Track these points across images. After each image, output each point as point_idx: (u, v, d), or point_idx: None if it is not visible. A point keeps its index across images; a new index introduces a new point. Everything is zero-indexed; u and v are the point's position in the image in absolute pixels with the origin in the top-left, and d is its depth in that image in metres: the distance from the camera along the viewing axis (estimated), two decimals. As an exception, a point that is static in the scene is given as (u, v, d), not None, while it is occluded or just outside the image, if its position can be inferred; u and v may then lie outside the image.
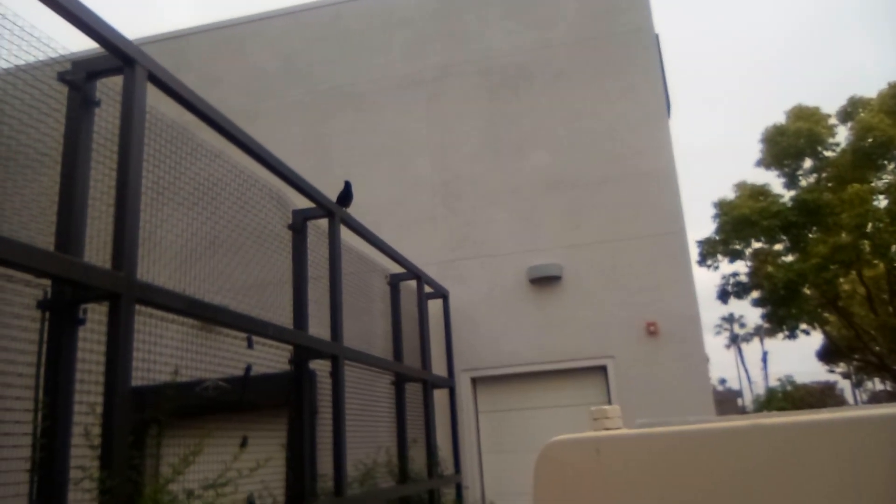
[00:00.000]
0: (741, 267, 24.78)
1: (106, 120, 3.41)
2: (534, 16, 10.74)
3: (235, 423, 4.07)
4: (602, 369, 9.16)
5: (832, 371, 38.40)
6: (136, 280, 3.20)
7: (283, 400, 4.86)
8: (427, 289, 8.68)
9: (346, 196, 6.28)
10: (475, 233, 10.06)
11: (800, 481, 1.40)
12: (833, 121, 23.80)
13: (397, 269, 7.86)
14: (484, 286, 9.78)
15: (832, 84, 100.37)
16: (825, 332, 27.17)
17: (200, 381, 3.86)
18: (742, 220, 22.33)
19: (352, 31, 11.47)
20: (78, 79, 3.30)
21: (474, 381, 9.60)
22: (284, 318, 4.95)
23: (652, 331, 9.01)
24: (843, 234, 21.66)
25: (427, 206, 10.35)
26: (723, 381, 65.59)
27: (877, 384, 43.70)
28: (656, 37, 10.39)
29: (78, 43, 3.67)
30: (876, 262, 22.67)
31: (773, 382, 49.86)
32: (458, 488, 8.74)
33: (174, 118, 3.89)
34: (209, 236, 4.18)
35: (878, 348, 25.06)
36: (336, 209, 5.76)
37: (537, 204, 9.94)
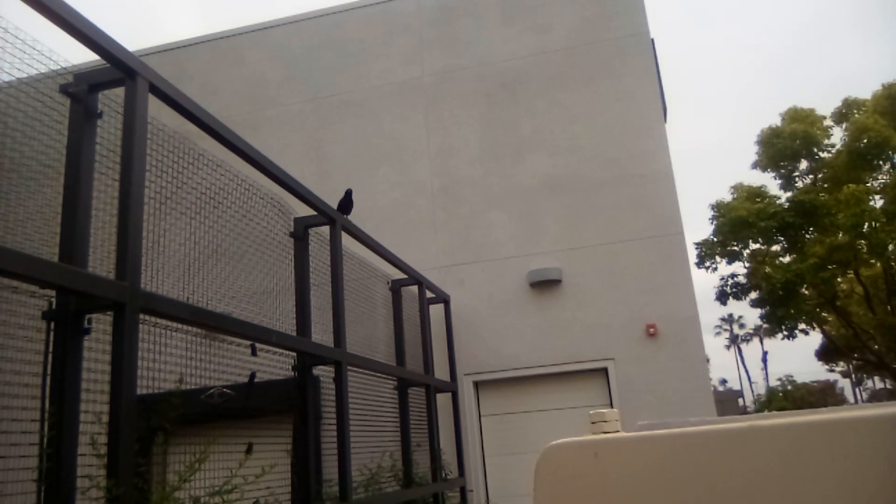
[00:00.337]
0: (739, 268, 24.82)
1: (108, 131, 3.43)
2: (530, 22, 10.79)
3: (240, 429, 4.08)
4: (603, 371, 9.18)
5: (832, 370, 38.44)
6: (140, 290, 3.22)
7: (287, 406, 4.88)
8: (428, 294, 8.70)
9: (346, 203, 6.30)
10: (475, 237, 10.09)
11: (799, 482, 1.40)
12: (828, 122, 23.88)
13: (399, 274, 7.88)
14: (484, 290, 9.80)
15: (827, 86, 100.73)
16: (824, 332, 27.17)
17: (205, 389, 3.87)
18: (739, 222, 22.37)
19: (351, 39, 11.51)
20: (80, 91, 3.32)
21: (477, 384, 9.62)
22: (287, 325, 4.98)
23: (652, 332, 9.04)
24: (840, 235, 21.71)
25: (427, 211, 10.38)
26: (723, 382, 65.59)
27: (876, 382, 43.72)
28: (652, 41, 10.44)
29: (80, 55, 3.70)
30: (873, 261, 22.71)
31: (774, 382, 49.91)
32: (463, 491, 8.75)
33: (176, 128, 3.91)
34: (212, 245, 4.20)
35: (876, 347, 25.07)
36: (337, 216, 5.78)
37: (536, 208, 9.98)
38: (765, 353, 58.67)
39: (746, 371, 70.69)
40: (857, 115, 22.86)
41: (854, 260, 21.93)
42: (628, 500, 1.57)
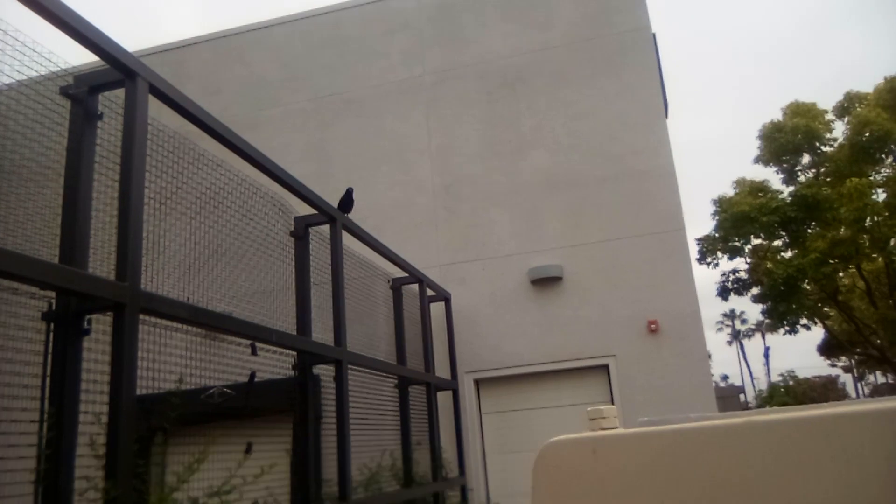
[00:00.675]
0: (741, 263, 24.82)
1: (108, 132, 3.44)
2: (530, 18, 10.77)
3: (240, 429, 4.09)
4: (604, 368, 9.18)
5: (834, 365, 38.43)
6: (140, 290, 3.22)
7: (287, 406, 4.89)
8: (429, 292, 8.71)
9: (347, 202, 6.31)
10: (476, 235, 10.09)
11: (799, 477, 1.40)
12: (830, 116, 23.85)
13: (399, 272, 7.89)
14: (486, 288, 9.81)
15: (828, 80, 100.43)
16: (826, 327, 27.18)
17: (205, 389, 3.88)
18: (741, 217, 22.36)
19: (351, 38, 11.51)
20: (80, 92, 3.33)
21: (477, 382, 9.63)
22: (288, 324, 4.98)
23: (653, 329, 9.03)
24: (842, 229, 21.70)
25: (428, 209, 10.38)
26: (725, 378, 65.62)
27: (878, 377, 43.68)
28: (653, 36, 10.42)
29: (79, 57, 3.70)
30: (875, 255, 22.70)
31: (776, 378, 49.90)
32: (463, 490, 8.76)
33: (176, 129, 3.92)
34: (212, 245, 4.21)
35: (878, 341, 25.07)
36: (338, 215, 5.79)
37: (537, 205, 9.97)
38: (766, 349, 58.69)
39: (748, 366, 70.67)
40: (859, 109, 22.82)
41: (856, 254, 21.90)
42: (627, 497, 1.58)
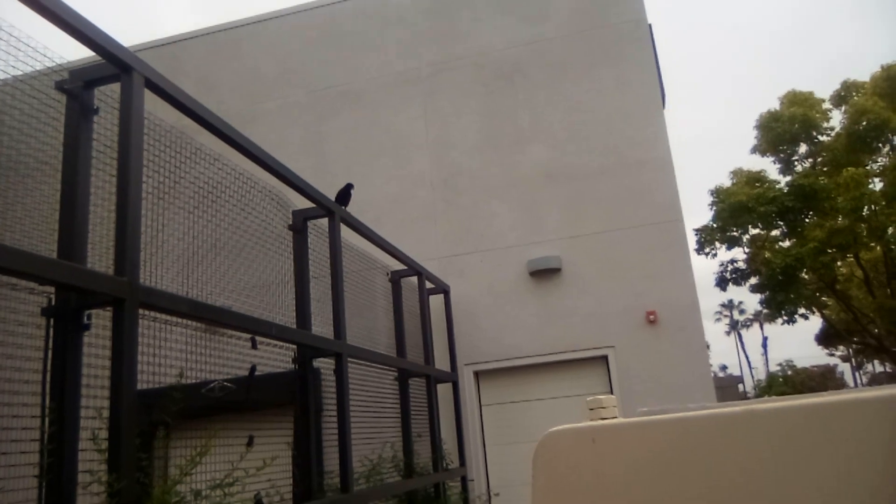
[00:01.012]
0: (739, 253, 24.86)
1: (105, 127, 3.43)
2: (527, 10, 10.74)
3: (241, 422, 4.10)
4: (603, 359, 9.20)
5: (832, 354, 38.52)
6: (139, 285, 3.22)
7: (288, 399, 4.90)
8: (428, 284, 8.71)
9: (345, 196, 6.31)
10: (474, 227, 10.09)
11: (798, 466, 1.40)
12: (827, 105, 23.84)
13: (398, 265, 7.89)
14: (485, 280, 9.82)
15: (825, 69, 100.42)
16: (824, 316, 27.25)
17: (206, 383, 3.89)
18: (739, 207, 22.37)
19: (347, 32, 11.47)
20: (75, 87, 3.32)
21: (477, 374, 9.65)
22: (287, 318, 4.99)
23: (652, 319, 9.05)
24: (840, 218, 21.73)
25: (426, 202, 10.37)
26: (724, 368, 65.76)
27: (876, 366, 43.82)
28: (649, 27, 10.40)
29: (75, 52, 3.69)
30: (873, 244, 22.74)
31: (774, 367, 50.01)
32: (464, 481, 8.79)
33: (173, 123, 3.91)
34: (210, 239, 4.21)
35: (876, 330, 25.12)
36: (336, 208, 5.78)
37: (536, 197, 9.97)
38: (765, 339, 58.81)
39: (746, 356, 70.82)
40: (856, 98, 22.83)
41: (854, 243, 21.93)
42: (626, 486, 1.58)
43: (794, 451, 1.42)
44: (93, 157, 3.35)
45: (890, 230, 21.58)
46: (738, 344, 63.59)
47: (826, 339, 31.16)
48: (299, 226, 5.39)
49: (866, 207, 21.23)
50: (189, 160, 4.06)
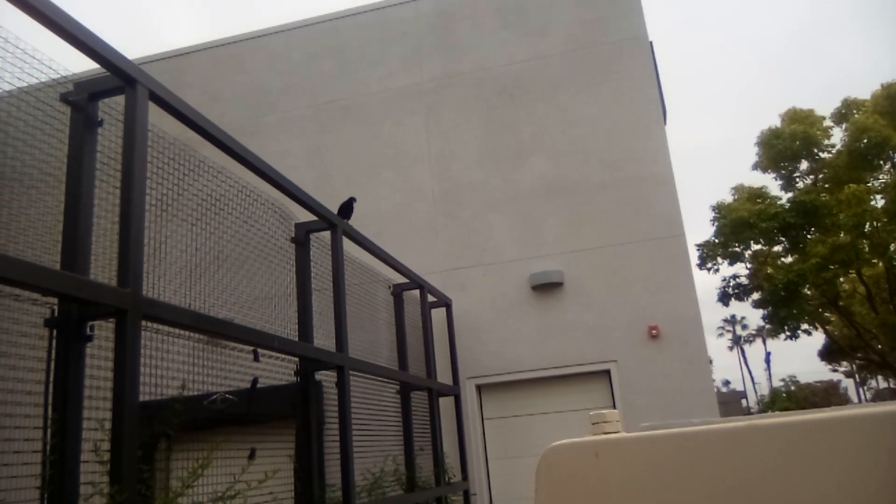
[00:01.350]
0: (741, 269, 24.84)
1: (109, 139, 3.45)
2: (529, 26, 10.81)
3: (243, 435, 4.09)
4: (606, 373, 9.17)
5: (835, 370, 38.36)
6: (142, 296, 3.22)
7: (290, 411, 4.88)
8: (430, 298, 8.70)
9: (347, 209, 6.32)
10: (476, 241, 10.10)
11: (800, 481, 1.40)
12: (828, 123, 23.93)
13: (400, 278, 7.89)
14: (486, 294, 9.81)
15: (826, 87, 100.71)
16: (826, 332, 27.16)
17: (208, 395, 3.88)
18: (740, 223, 22.38)
19: (350, 46, 11.55)
20: (80, 99, 3.34)
21: (479, 388, 9.62)
22: (289, 331, 4.98)
23: (654, 334, 9.03)
24: (842, 234, 21.71)
25: (428, 215, 10.39)
26: (727, 383, 65.56)
27: (880, 382, 43.62)
28: (650, 44, 10.46)
29: (80, 64, 3.71)
30: (875, 260, 22.72)
31: (777, 383, 49.82)
32: (466, 495, 8.74)
33: (176, 136, 3.93)
34: (213, 251, 4.21)
35: (879, 346, 25.05)
36: (338, 221, 5.79)
37: (537, 211, 9.99)
38: (768, 354, 58.55)
39: (749, 372, 70.60)
40: (856, 116, 22.89)
41: (856, 259, 21.92)
42: (629, 501, 1.58)
43: (797, 466, 1.42)
44: (97, 168, 3.36)
45: (892, 246, 21.58)
46: (741, 359, 63.39)
47: (829, 354, 31.05)
48: (302, 238, 5.40)
49: (868, 224, 21.23)
50: (192, 172, 4.07)
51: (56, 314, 3.04)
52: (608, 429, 1.78)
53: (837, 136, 23.69)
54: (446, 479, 7.96)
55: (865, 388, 47.10)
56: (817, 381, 46.10)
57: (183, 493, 3.28)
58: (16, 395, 2.87)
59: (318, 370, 5.15)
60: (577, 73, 10.39)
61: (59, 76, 3.23)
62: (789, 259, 23.56)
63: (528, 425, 9.29)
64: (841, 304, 24.44)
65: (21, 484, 2.73)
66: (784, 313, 22.54)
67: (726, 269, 24.42)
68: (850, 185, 21.21)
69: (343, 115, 11.20)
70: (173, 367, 3.58)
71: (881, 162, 22.78)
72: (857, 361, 32.42)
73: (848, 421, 1.44)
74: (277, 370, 4.69)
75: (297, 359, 4.91)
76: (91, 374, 3.07)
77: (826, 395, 43.34)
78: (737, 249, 23.82)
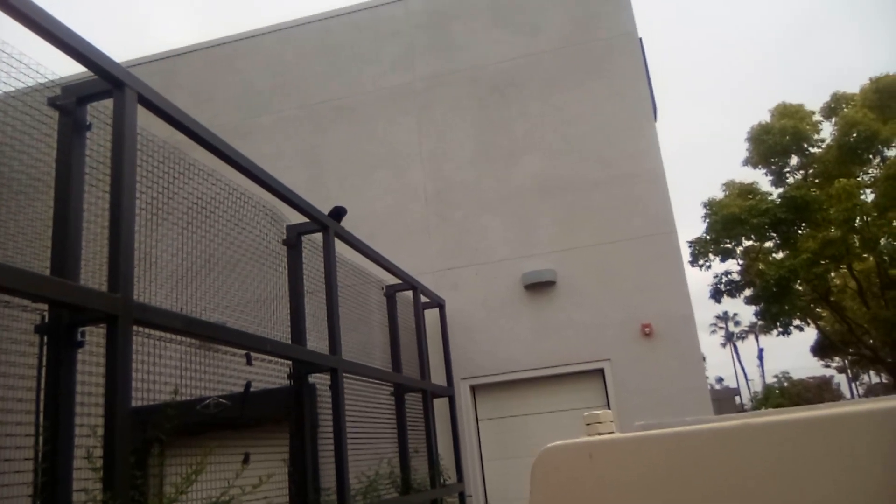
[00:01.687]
0: (733, 265, 24.93)
1: (98, 143, 3.42)
2: (519, 24, 10.82)
3: (237, 439, 4.07)
4: (599, 372, 9.18)
5: (827, 366, 38.55)
6: (133, 301, 3.20)
7: (283, 415, 4.87)
8: (423, 298, 8.70)
9: (338, 214, 6.31)
10: (469, 241, 10.10)
11: (796, 479, 1.39)
12: (817, 117, 24.04)
13: (393, 280, 7.88)
14: (479, 294, 9.81)
15: (815, 82, 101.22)
16: (818, 327, 27.30)
17: (201, 400, 3.86)
18: (732, 219, 22.47)
19: (342, 45, 11.52)
20: (68, 103, 3.31)
21: (473, 388, 9.61)
22: (282, 334, 4.96)
23: (647, 332, 9.05)
24: (832, 229, 21.83)
25: (421, 215, 10.38)
26: (720, 380, 65.78)
27: (872, 377, 43.88)
28: (640, 40, 10.48)
29: (67, 68, 3.69)
30: (866, 255, 22.84)
31: (770, 379, 50.04)
32: (462, 497, 8.73)
33: (166, 138, 3.90)
34: (204, 255, 4.19)
35: (871, 341, 25.19)
36: (330, 223, 5.78)
37: (529, 210, 9.99)
38: (760, 350, 58.80)
39: (742, 368, 70.70)
40: (845, 110, 23.02)
41: (847, 254, 22.04)
42: (624, 501, 1.57)
43: (791, 464, 1.41)
44: (86, 173, 3.33)
45: (882, 241, 21.69)
46: (734, 356, 63.60)
47: (821, 350, 31.20)
48: (293, 241, 5.38)
49: (858, 218, 21.35)
50: (182, 176, 4.05)
51: (46, 320, 3.02)
52: (602, 429, 1.78)
53: (827, 131, 23.84)
54: (441, 480, 7.95)
55: (858, 383, 47.37)
56: (810, 377, 46.32)
57: (177, 499, 3.26)
58: (7, 402, 2.84)
59: (312, 373, 5.14)
60: (568, 70, 10.40)
61: (46, 80, 3.21)
62: (780, 255, 23.67)
63: (523, 425, 9.29)
64: (832, 299, 24.56)
65: (13, 492, 2.71)
66: (776, 309, 22.64)
67: (718, 266, 24.57)
68: (840, 179, 21.33)
69: (336, 115, 11.17)
70: (165, 371, 3.56)
71: (871, 156, 22.90)
72: (850, 357, 32.61)
73: (843, 418, 1.44)
74: (271, 373, 4.68)
75: (290, 362, 4.90)
76: (82, 381, 3.05)
77: (819, 390, 43.54)
78: (728, 246, 23.91)
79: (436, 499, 7.64)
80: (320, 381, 5.35)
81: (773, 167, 24.45)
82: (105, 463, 2.91)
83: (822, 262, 22.02)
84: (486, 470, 9.35)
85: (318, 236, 5.72)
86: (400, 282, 7.98)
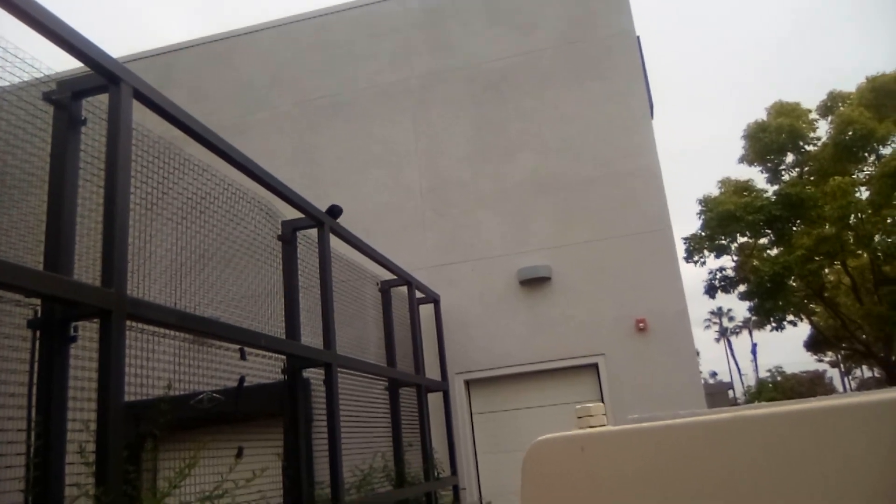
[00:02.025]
0: (727, 262, 24.98)
1: (93, 138, 3.41)
2: (517, 22, 10.80)
3: (231, 434, 4.08)
4: (594, 367, 9.21)
5: (820, 360, 38.68)
6: (127, 296, 3.20)
7: (277, 409, 4.87)
8: (418, 294, 8.70)
9: (333, 213, 6.31)
10: (464, 237, 10.10)
11: (789, 472, 1.39)
12: (814, 116, 24.08)
13: (388, 275, 7.88)
14: (474, 289, 9.82)
15: (812, 80, 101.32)
16: (812, 323, 27.39)
17: (195, 394, 3.87)
18: (727, 216, 22.51)
19: (338, 42, 11.49)
20: (63, 98, 3.30)
21: (468, 383, 9.63)
22: (276, 328, 4.96)
23: (641, 327, 9.08)
24: (827, 226, 21.89)
25: (416, 212, 10.38)
26: (714, 375, 66.00)
27: (865, 372, 44.05)
28: (637, 39, 10.48)
29: (63, 62, 3.68)
30: (860, 252, 22.90)
31: (764, 374, 50.19)
32: (455, 490, 8.76)
33: (161, 134, 3.90)
34: (199, 250, 4.19)
35: (864, 336, 25.29)
36: (325, 218, 5.77)
37: (525, 206, 10.00)
38: (754, 345, 59.01)
39: (736, 363, 71.09)
40: (842, 108, 23.07)
41: (841, 251, 22.10)
42: (615, 494, 1.57)
43: (784, 457, 1.40)
44: (80, 167, 3.32)
45: (876, 238, 21.75)
46: (728, 351, 63.82)
47: (815, 345, 31.30)
48: (288, 236, 5.37)
49: (853, 216, 21.40)
50: (177, 171, 4.04)
51: (39, 315, 3.01)
52: (593, 422, 1.77)
53: (823, 129, 23.89)
54: (435, 474, 7.98)
55: (850, 377, 47.54)
56: (803, 372, 46.51)
57: (170, 494, 3.27)
58: (-1, 397, 2.85)
59: (306, 367, 5.14)
60: (565, 68, 10.39)
61: (41, 75, 3.19)
62: (775, 251, 23.72)
63: (517, 419, 9.33)
64: (826, 295, 24.64)
65: (5, 487, 2.71)
66: (770, 305, 22.70)
67: (713, 262, 24.55)
68: (836, 177, 21.38)
69: (331, 112, 11.16)
70: (159, 366, 3.56)
71: (866, 154, 22.96)
72: (843, 351, 32.70)
73: (836, 411, 1.43)
74: (265, 368, 4.68)
75: (284, 357, 4.90)
76: (75, 375, 3.04)
77: (812, 385, 43.73)
78: (723, 242, 23.95)
79: (430, 492, 7.67)
80: (315, 375, 5.35)
81: (769, 165, 24.49)
82: (98, 458, 2.91)
83: (817, 258, 22.09)
84: (480, 463, 9.38)
85: (313, 232, 5.72)
86: (395, 277, 7.98)
